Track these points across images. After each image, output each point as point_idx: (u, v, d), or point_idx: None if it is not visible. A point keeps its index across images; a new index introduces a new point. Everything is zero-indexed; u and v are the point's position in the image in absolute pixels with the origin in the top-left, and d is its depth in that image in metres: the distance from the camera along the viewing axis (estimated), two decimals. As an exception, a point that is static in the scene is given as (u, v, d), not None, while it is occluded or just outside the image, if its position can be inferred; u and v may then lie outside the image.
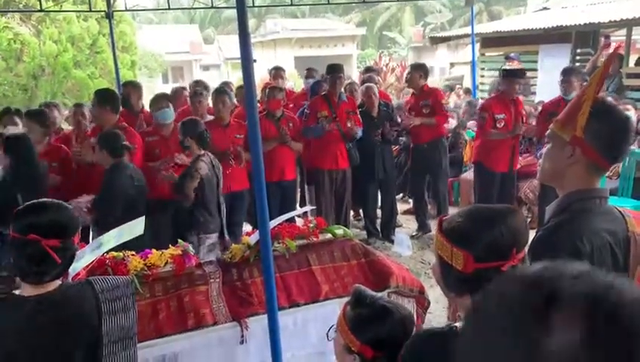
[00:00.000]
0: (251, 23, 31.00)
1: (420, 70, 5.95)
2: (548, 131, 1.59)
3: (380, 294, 1.79)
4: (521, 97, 5.95)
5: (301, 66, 9.08)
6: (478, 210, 1.28)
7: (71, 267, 1.80)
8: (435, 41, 14.12)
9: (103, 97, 4.37)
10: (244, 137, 4.76)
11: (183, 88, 6.26)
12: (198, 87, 5.72)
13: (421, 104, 5.81)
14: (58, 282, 1.71)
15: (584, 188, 1.52)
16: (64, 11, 11.32)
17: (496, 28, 11.29)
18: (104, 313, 1.71)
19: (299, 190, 6.24)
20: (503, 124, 5.47)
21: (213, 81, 8.62)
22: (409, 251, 5.52)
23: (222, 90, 5.00)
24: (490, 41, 11.42)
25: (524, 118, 5.67)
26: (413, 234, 6.04)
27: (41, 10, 11.09)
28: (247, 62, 2.39)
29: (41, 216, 1.65)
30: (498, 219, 1.20)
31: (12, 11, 11.87)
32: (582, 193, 1.52)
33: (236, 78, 10.67)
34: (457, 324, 1.27)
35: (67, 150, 4.49)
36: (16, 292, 1.70)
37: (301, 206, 6.12)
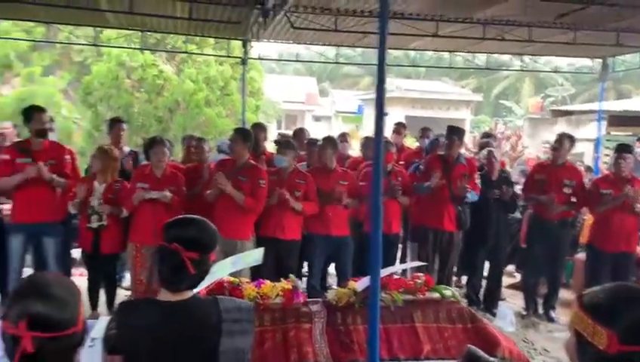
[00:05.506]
0: (367, 81, 31.98)
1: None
2: None
3: (492, 358, 1.76)
4: None
5: (412, 125, 9.21)
6: (625, 288, 1.23)
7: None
8: (557, 114, 13.65)
9: (246, 135, 4.84)
10: (347, 184, 4.93)
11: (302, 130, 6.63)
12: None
13: (565, 182, 5.36)
14: (191, 293, 1.85)
15: None
16: (205, 55, 12.57)
17: (626, 107, 10.73)
18: (224, 331, 1.77)
19: (400, 246, 6.21)
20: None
21: (323, 132, 9.03)
22: (512, 327, 5.21)
23: (329, 139, 5.31)
24: (617, 119, 10.86)
25: None
26: (523, 314, 5.69)
27: (185, 52, 12.46)
28: (379, 117, 2.53)
29: (187, 230, 1.83)
30: None
31: (161, 50, 13.38)
32: None
33: (344, 130, 11.04)
34: None
35: (182, 176, 4.85)
36: (157, 297, 1.87)
37: (401, 262, 6.07)
